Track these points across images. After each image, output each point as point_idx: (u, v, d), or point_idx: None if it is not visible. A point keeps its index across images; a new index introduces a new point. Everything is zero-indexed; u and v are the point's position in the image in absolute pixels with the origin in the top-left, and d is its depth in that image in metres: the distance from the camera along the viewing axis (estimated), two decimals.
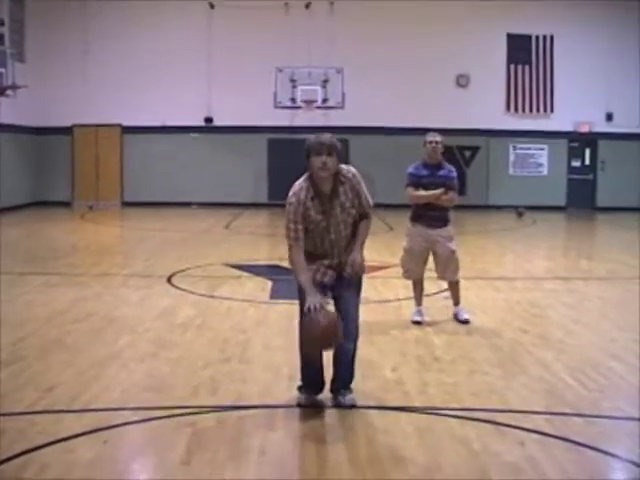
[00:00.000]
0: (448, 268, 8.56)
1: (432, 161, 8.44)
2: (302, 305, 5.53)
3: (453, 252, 8.54)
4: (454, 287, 8.71)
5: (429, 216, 8.39)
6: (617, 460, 4.82)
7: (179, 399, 5.76)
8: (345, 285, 5.59)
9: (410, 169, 8.50)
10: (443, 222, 8.49)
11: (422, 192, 8.34)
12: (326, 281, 5.57)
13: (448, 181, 8.36)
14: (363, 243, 5.67)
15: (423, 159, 8.49)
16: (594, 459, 4.82)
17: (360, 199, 5.54)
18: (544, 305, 9.85)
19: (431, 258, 8.62)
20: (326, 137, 5.45)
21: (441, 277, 8.77)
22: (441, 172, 8.40)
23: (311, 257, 5.55)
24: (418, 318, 8.47)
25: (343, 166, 5.54)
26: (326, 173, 5.37)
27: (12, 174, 23.46)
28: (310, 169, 5.44)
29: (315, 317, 5.25)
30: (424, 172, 8.39)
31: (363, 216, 5.63)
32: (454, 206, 8.60)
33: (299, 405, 5.58)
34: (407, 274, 8.68)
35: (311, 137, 5.50)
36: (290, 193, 5.48)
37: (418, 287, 8.65)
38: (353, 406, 5.56)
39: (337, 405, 5.59)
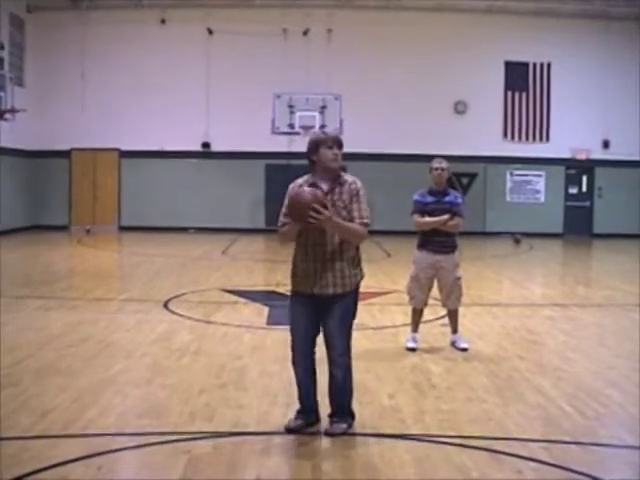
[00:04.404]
0: (452, 295, 8.56)
1: (438, 187, 8.45)
2: (292, 322, 5.60)
3: (458, 279, 8.54)
4: (453, 315, 8.70)
5: (435, 242, 8.39)
6: None
7: (175, 425, 5.72)
8: (331, 313, 5.53)
9: (416, 196, 8.50)
10: (450, 248, 8.49)
11: (428, 219, 8.35)
12: (315, 292, 5.53)
13: (454, 207, 8.37)
14: (347, 229, 5.42)
15: (429, 186, 8.51)
16: None
17: (353, 204, 5.48)
18: (541, 332, 9.83)
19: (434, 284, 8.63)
20: (333, 132, 5.72)
21: (444, 304, 8.75)
22: (447, 198, 8.40)
23: (299, 267, 5.58)
24: (412, 345, 8.44)
25: (349, 175, 5.64)
26: (336, 164, 5.53)
27: (10, 198, 23.49)
28: (317, 163, 5.55)
29: (302, 190, 5.37)
30: (430, 199, 8.39)
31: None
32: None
33: (287, 429, 5.56)
34: (413, 301, 8.64)
35: (316, 133, 5.76)
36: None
37: (417, 314, 8.63)
38: (343, 434, 5.52)
39: (326, 433, 5.56)
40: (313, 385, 5.67)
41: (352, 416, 5.71)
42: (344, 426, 5.58)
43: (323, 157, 5.50)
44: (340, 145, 5.54)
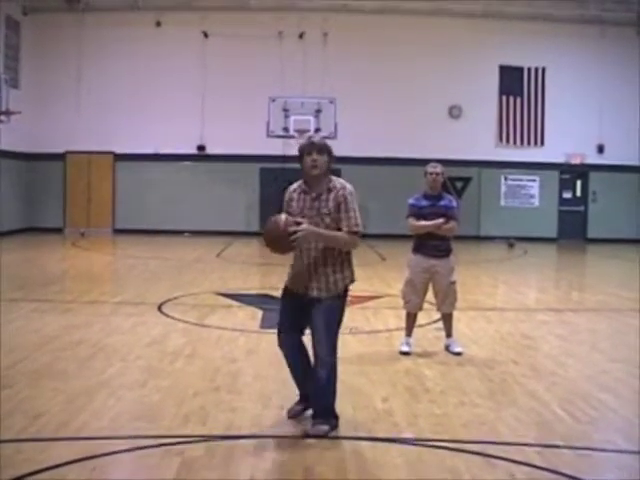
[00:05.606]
0: (447, 299, 8.57)
1: (433, 192, 8.48)
2: (280, 308, 5.87)
3: (452, 283, 8.56)
4: (448, 319, 8.71)
5: (430, 246, 8.42)
6: None
7: (168, 428, 5.72)
8: (317, 314, 5.61)
9: (411, 200, 8.53)
10: (444, 252, 8.51)
11: (423, 222, 8.37)
12: (302, 292, 5.69)
13: (449, 211, 8.40)
14: (331, 238, 5.55)
15: (424, 190, 8.54)
16: None
17: (341, 214, 5.56)
18: (535, 336, 9.84)
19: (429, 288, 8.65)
20: (317, 138, 5.77)
21: (439, 308, 8.76)
22: (442, 202, 8.44)
23: (293, 267, 5.80)
24: (406, 349, 8.45)
25: (340, 180, 5.71)
26: (316, 171, 5.59)
27: (4, 200, 23.45)
28: (303, 169, 5.66)
29: (276, 219, 5.46)
30: (424, 203, 8.43)
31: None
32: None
33: (288, 416, 5.84)
34: (408, 305, 8.65)
35: (302, 141, 5.83)
36: None
37: (412, 318, 8.64)
38: (324, 436, 5.53)
39: (307, 434, 5.57)
40: (307, 367, 5.79)
41: (335, 417, 5.73)
42: (326, 428, 5.59)
43: (304, 164, 5.62)
44: (320, 150, 5.59)
